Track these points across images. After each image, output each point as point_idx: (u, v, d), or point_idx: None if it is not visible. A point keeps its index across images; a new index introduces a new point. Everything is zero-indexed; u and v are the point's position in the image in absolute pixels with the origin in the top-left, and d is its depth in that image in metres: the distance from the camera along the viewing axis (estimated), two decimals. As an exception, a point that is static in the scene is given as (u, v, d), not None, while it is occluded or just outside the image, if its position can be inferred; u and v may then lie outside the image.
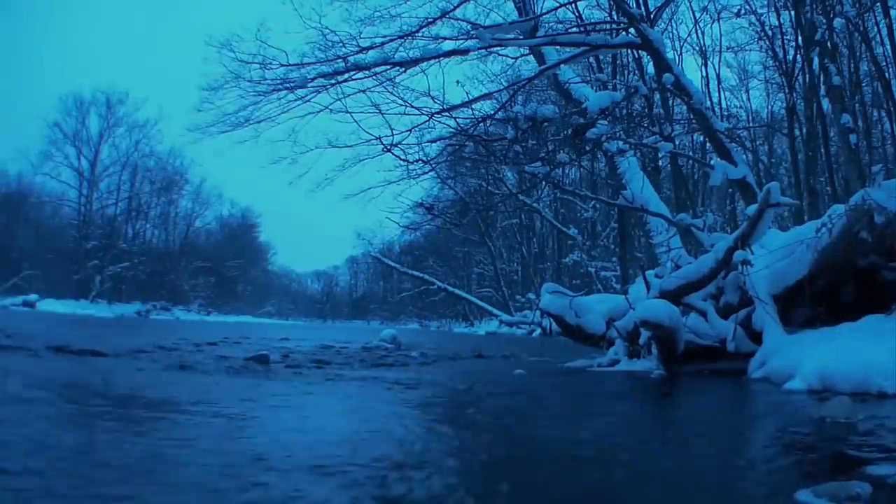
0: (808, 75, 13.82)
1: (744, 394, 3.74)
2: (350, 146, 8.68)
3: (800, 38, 13.60)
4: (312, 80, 7.49)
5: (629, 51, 12.19)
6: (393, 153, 6.99)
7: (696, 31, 18.33)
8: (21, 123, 60.71)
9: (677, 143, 9.18)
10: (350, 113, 7.55)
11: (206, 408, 2.29)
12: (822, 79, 11.84)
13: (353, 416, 2.32)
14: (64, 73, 61.57)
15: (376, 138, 7.56)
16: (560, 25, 10.26)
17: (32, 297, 25.73)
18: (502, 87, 7.81)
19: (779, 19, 14.80)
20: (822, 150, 15.04)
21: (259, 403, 2.55)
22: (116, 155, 40.74)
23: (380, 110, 7.45)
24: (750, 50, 17.50)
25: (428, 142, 7.54)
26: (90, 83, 64.83)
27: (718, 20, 16.74)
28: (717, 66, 20.85)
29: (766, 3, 14.34)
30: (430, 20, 7.30)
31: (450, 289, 27.99)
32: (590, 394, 3.59)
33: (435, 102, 7.37)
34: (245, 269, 51.59)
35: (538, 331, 21.29)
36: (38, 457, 1.37)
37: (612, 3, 9.95)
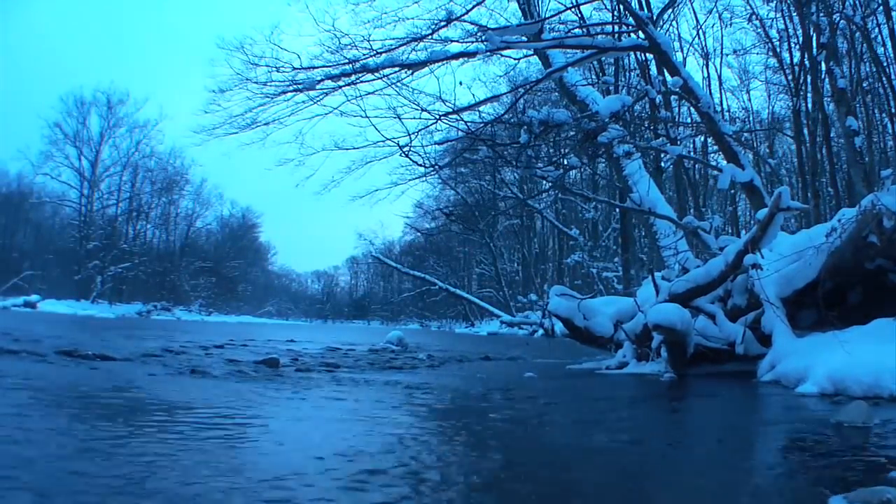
0: (810, 77, 13.83)
1: (757, 397, 3.75)
2: (357, 148, 8.68)
3: (803, 41, 13.61)
4: (319, 82, 7.49)
5: (633, 53, 12.17)
6: (410, 158, 7.00)
7: (699, 32, 18.35)
8: (21, 123, 60.63)
9: (681, 145, 9.18)
10: (368, 117, 7.57)
11: (225, 416, 2.29)
12: (826, 81, 11.87)
13: (375, 424, 2.32)
14: (64, 73, 61.48)
15: (390, 140, 7.58)
16: (562, 27, 10.24)
17: (34, 297, 25.70)
18: (509, 90, 7.83)
19: (785, 23, 14.80)
20: (825, 152, 15.07)
21: (277, 410, 2.54)
22: (117, 155, 40.87)
23: (397, 114, 7.48)
24: (757, 53, 17.50)
25: (438, 143, 7.55)
26: (91, 83, 64.77)
27: (723, 23, 16.72)
28: (718, 67, 20.87)
29: (772, 6, 14.33)
30: (441, 24, 7.32)
31: (451, 289, 28.04)
32: (605, 398, 3.60)
33: (445, 105, 7.40)
34: (245, 270, 51.61)
35: (540, 332, 21.35)
36: (67, 473, 1.36)
37: (617, 5, 9.94)
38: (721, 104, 19.15)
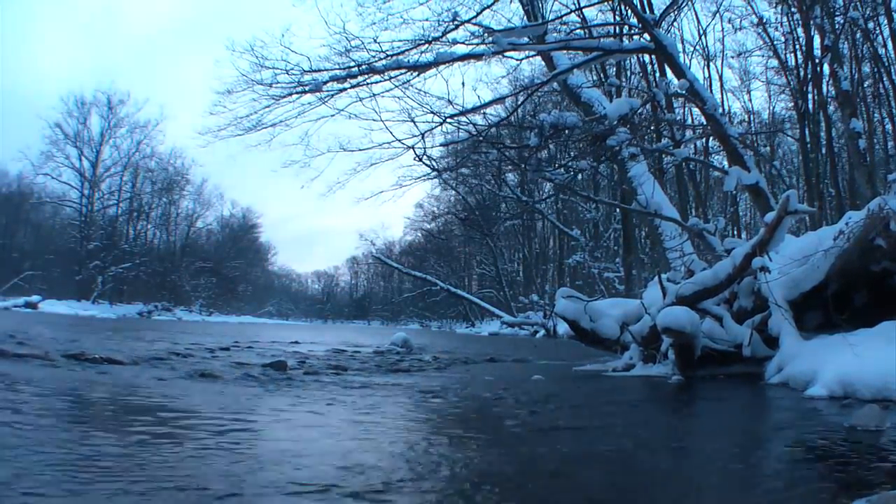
0: (812, 78, 13.83)
1: (767, 400, 3.77)
2: (362, 150, 8.69)
3: (807, 44, 13.60)
4: (325, 83, 7.49)
5: (634, 55, 12.14)
6: (423, 162, 7.02)
7: (701, 34, 18.38)
8: (21, 123, 60.53)
9: (685, 147, 9.17)
10: (381, 120, 7.58)
11: (242, 422, 2.28)
12: (829, 83, 11.87)
13: (394, 430, 2.32)
14: (64, 73, 61.44)
15: (400, 142, 7.61)
16: (564, 27, 10.22)
17: (35, 297, 25.68)
18: (514, 91, 7.82)
19: (791, 26, 14.75)
20: (825, 153, 15.09)
21: (295, 417, 2.52)
22: (118, 155, 40.91)
23: (411, 117, 7.50)
24: (762, 55, 17.49)
25: (444, 145, 7.56)
26: (91, 83, 64.75)
27: (732, 27, 16.66)
28: (719, 68, 20.91)
29: (776, 10, 14.31)
30: (451, 27, 7.33)
31: (452, 289, 28.07)
32: (615, 401, 3.62)
33: (453, 107, 7.42)
34: (246, 270, 51.62)
35: (542, 332, 21.39)
36: (93, 487, 1.36)
37: (619, 6, 9.94)
38: (722, 105, 19.17)
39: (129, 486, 1.35)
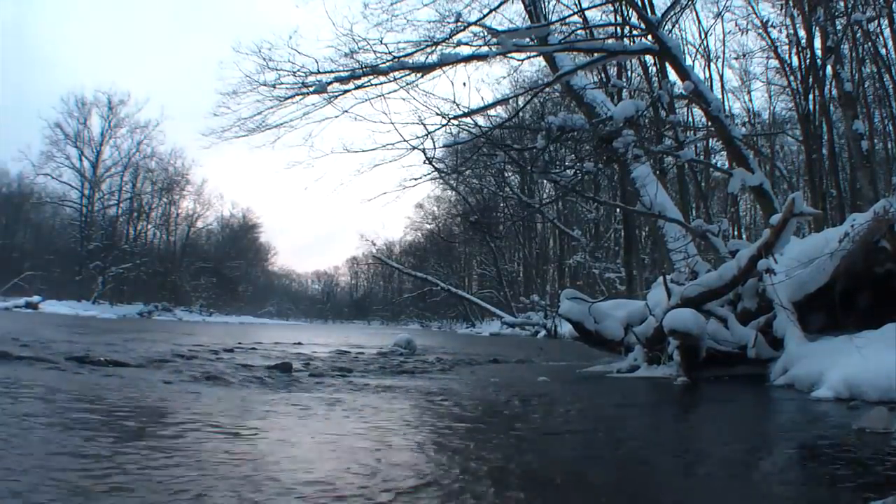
0: (814, 82, 13.83)
1: (773, 402, 3.77)
2: (366, 151, 8.71)
3: (809, 45, 13.60)
4: (329, 84, 7.49)
5: (637, 56, 12.13)
6: (433, 165, 7.02)
7: (701, 34, 18.40)
8: (22, 123, 60.49)
9: (687, 148, 9.20)
10: (390, 121, 7.63)
11: (250, 427, 2.27)
12: (832, 85, 11.88)
13: (403, 435, 2.32)
14: (65, 73, 61.42)
15: (408, 143, 7.64)
16: (565, 28, 10.23)
17: (35, 298, 25.66)
18: (518, 92, 7.83)
19: (794, 28, 14.73)
20: (826, 153, 15.09)
21: (300, 420, 2.52)
22: (118, 155, 40.89)
23: (421, 120, 7.53)
24: (766, 56, 17.49)
25: (449, 145, 7.58)
26: (92, 83, 64.72)
27: (738, 29, 16.62)
28: (720, 68, 20.93)
29: (780, 11, 14.30)
30: (459, 29, 7.36)
31: (453, 290, 28.06)
32: (623, 404, 3.62)
33: (459, 108, 7.45)
34: (246, 270, 51.63)
35: (542, 333, 21.40)
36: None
37: (622, 7, 9.95)
38: (723, 105, 19.16)
39: (137, 493, 1.35)
